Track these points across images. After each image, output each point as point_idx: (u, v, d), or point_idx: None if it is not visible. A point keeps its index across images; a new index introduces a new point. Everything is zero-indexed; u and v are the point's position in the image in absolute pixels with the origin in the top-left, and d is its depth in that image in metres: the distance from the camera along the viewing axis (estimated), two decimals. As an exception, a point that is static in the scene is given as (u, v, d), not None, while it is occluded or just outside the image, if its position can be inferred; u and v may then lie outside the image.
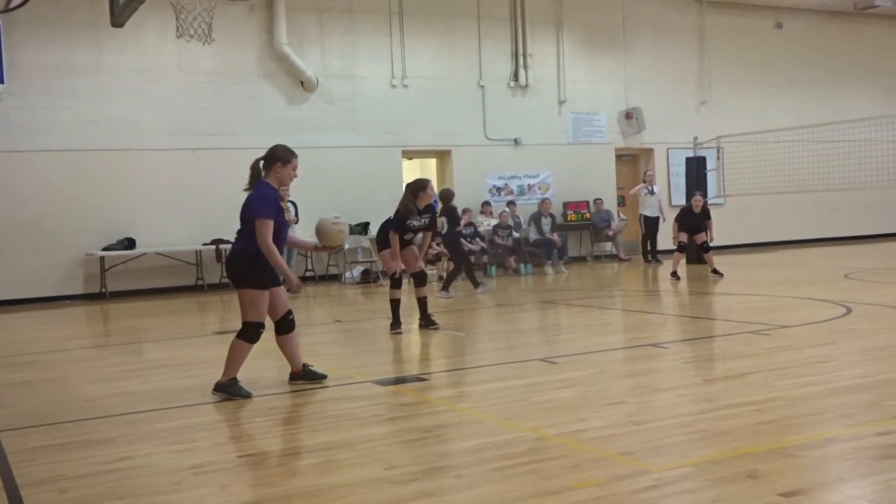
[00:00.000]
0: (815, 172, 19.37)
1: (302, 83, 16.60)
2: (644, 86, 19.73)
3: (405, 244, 9.19)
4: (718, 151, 19.04)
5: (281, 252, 6.04)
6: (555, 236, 17.03)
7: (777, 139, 18.62)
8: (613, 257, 18.76)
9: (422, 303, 9.29)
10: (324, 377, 6.43)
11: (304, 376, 6.40)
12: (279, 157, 6.08)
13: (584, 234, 19.08)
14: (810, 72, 21.81)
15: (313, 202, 15.46)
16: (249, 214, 5.95)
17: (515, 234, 17.01)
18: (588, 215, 18.73)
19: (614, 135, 19.57)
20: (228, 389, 6.05)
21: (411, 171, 18.23)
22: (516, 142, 18.40)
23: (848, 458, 4.18)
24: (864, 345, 7.31)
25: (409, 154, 17.94)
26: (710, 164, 18.26)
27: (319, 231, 6.34)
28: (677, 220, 14.06)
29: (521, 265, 16.73)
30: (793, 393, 5.53)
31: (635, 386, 6.12)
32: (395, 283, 9.17)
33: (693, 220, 13.90)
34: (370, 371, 7.02)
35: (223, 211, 15.56)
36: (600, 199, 18.77)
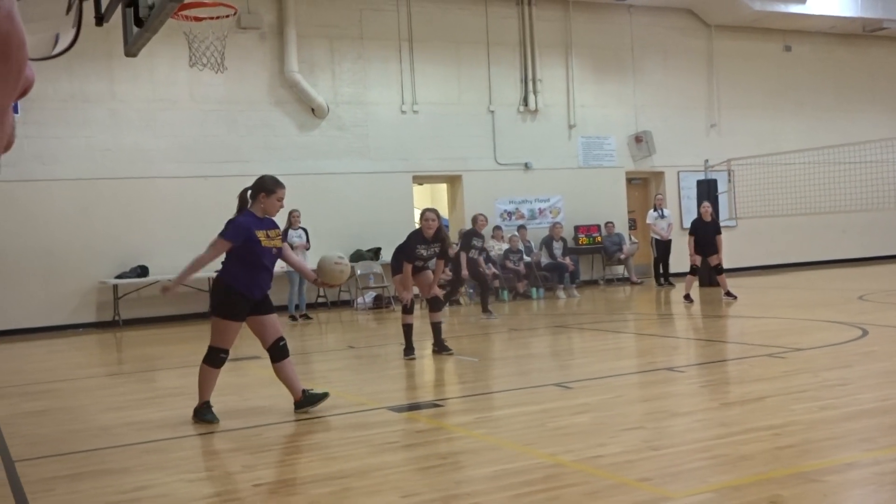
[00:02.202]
0: (826, 194, 19.33)
1: (313, 110, 16.69)
2: (653, 109, 19.76)
3: (419, 269, 9.18)
4: (729, 174, 19.04)
5: (266, 279, 6.26)
6: (566, 260, 17.00)
7: (787, 161, 18.60)
8: (625, 281, 18.71)
9: (436, 328, 9.26)
10: (325, 395, 6.37)
11: (306, 402, 6.35)
12: (264, 188, 6.23)
13: (595, 257, 19.05)
14: (819, 94, 21.81)
15: (325, 228, 15.48)
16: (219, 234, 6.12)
17: (526, 259, 16.99)
18: (599, 239, 18.71)
19: (624, 158, 19.58)
20: (198, 414, 6.17)
21: (422, 196, 18.30)
22: (526, 166, 18.43)
23: (870, 483, 4.13)
24: (881, 367, 7.25)
25: (419, 179, 17.98)
26: (721, 186, 18.25)
27: (321, 268, 6.43)
28: (691, 232, 14.05)
29: (533, 289, 16.71)
30: (811, 417, 5.48)
31: (652, 411, 6.08)
32: (407, 309, 9.14)
33: (704, 230, 13.84)
34: (384, 397, 6.99)
35: (235, 238, 15.63)
36: (611, 222, 18.75)
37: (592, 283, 18.79)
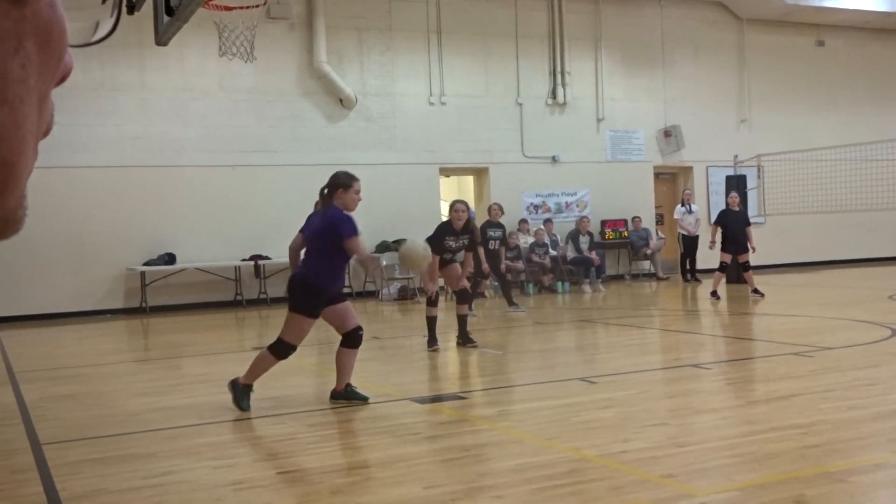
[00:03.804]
0: (857, 192, 19.08)
1: (341, 101, 16.72)
2: (683, 104, 19.61)
3: (447, 262, 9.17)
4: (759, 170, 18.86)
5: (344, 272, 6.40)
6: (592, 254, 16.93)
7: (818, 158, 18.38)
8: (651, 276, 18.61)
9: (461, 320, 9.26)
10: (365, 399, 6.34)
11: (345, 396, 6.36)
12: (340, 183, 6.31)
13: (621, 252, 18.95)
14: (852, 90, 21.53)
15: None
16: (343, 237, 6.07)
17: (552, 252, 16.95)
18: (626, 234, 18.62)
19: (653, 153, 19.45)
20: (236, 392, 6.16)
21: (448, 188, 18.29)
22: (554, 159, 18.36)
23: (898, 484, 4.09)
24: (911, 368, 7.16)
25: (446, 171, 17.97)
26: (751, 182, 18.09)
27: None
28: (717, 223, 13.97)
29: (559, 283, 16.66)
30: (839, 416, 5.42)
31: (677, 407, 6.04)
32: (432, 301, 9.14)
33: (733, 219, 13.75)
34: (408, 389, 7.01)
35: (262, 227, 15.73)
36: (638, 217, 18.65)
37: (618, 277, 18.70)
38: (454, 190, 20.90)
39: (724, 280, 14.19)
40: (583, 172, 18.63)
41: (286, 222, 15.60)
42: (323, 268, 6.18)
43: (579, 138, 18.61)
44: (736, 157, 17.94)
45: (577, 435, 5.21)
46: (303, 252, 6.40)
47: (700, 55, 19.93)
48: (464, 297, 9.31)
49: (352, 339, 6.36)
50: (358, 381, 6.73)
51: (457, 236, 9.05)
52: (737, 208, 14.03)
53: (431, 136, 17.32)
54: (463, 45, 17.72)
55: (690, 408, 5.97)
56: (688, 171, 19.93)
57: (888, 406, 5.69)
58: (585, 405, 6.07)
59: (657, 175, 19.73)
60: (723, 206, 14.92)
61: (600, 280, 16.84)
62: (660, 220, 19.68)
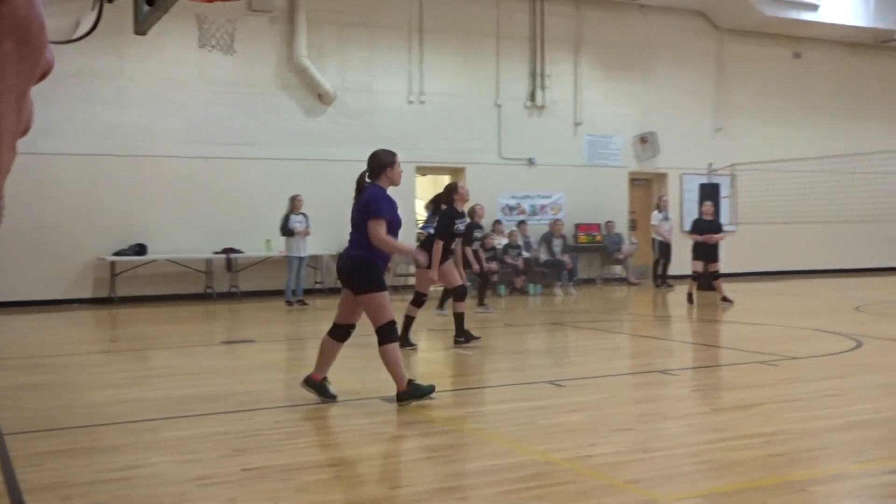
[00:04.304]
0: (830, 203, 19.32)
1: (320, 96, 16.67)
2: (660, 110, 19.73)
3: (446, 257, 9.07)
4: (732, 179, 19.02)
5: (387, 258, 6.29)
6: (565, 258, 17.01)
7: (792, 169, 18.56)
8: (623, 281, 18.72)
9: (459, 318, 9.18)
10: (333, 398, 6.31)
11: (318, 388, 6.32)
12: (386, 162, 6.28)
13: (594, 256, 19.05)
14: (828, 103, 21.77)
15: (327, 214, 15.43)
16: (370, 215, 6.04)
17: (525, 254, 17.00)
18: (599, 238, 18.71)
19: (629, 158, 19.56)
20: (415, 392, 6.06)
21: (424, 187, 18.27)
22: (530, 162, 18.41)
23: (858, 495, 4.15)
24: (875, 379, 7.26)
25: (423, 170, 17.96)
26: (724, 191, 18.23)
27: None
28: (692, 231, 14.16)
29: (531, 285, 16.71)
30: (803, 426, 5.49)
31: (644, 413, 6.09)
32: (418, 302, 9.02)
33: (706, 228, 13.93)
34: (379, 388, 7.00)
35: (236, 220, 15.64)
36: (612, 221, 18.75)
37: (590, 281, 18.79)
38: (430, 189, 20.88)
39: (695, 288, 14.28)
40: (559, 175, 18.69)
41: (261, 216, 15.59)
42: (373, 246, 6.09)
43: (557, 141, 18.67)
44: (710, 165, 18.08)
45: (545, 438, 5.23)
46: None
47: (679, 63, 20.06)
48: (462, 295, 9.23)
49: (342, 332, 6.29)
50: (330, 377, 6.72)
51: (462, 218, 9.15)
52: (710, 217, 14.18)
53: (409, 135, 17.30)
54: (444, 45, 17.73)
55: (657, 414, 6.02)
56: (662, 177, 20.06)
57: (851, 417, 5.77)
58: (554, 408, 6.11)
59: (632, 181, 19.84)
60: (696, 214, 15.05)
61: (572, 283, 16.92)
62: (633, 225, 19.80)
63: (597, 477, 4.38)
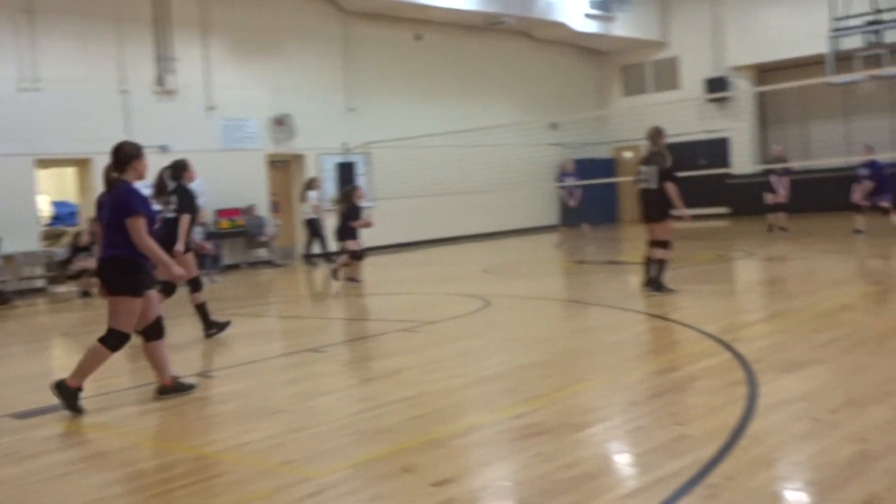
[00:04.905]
0: (458, 175, 20.80)
1: None
2: (294, 92, 19.91)
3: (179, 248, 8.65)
4: (367, 157, 19.77)
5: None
6: (207, 245, 16.63)
7: (421, 145, 19.70)
8: (269, 264, 18.74)
9: (202, 308, 8.93)
10: (192, 388, 6.12)
11: (173, 389, 6.05)
12: (133, 153, 6.06)
13: (237, 241, 18.84)
14: (449, 81, 23.30)
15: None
16: (127, 214, 5.79)
17: (167, 245, 16.36)
18: (241, 222, 18.54)
19: (266, 141, 19.55)
20: (63, 394, 5.84)
21: (47, 180, 16.88)
22: (164, 149, 17.70)
23: (490, 442, 4.56)
24: (501, 335, 7.99)
25: (44, 163, 16.57)
26: (361, 169, 18.88)
27: None
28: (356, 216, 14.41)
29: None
30: (442, 386, 5.90)
31: (295, 393, 6.18)
32: (197, 286, 8.92)
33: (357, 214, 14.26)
34: (6, 403, 6.41)
35: None
36: (253, 205, 18.67)
37: (235, 267, 18.59)
38: (54, 182, 19.38)
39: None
40: (195, 162, 17.99)
41: None
42: (132, 245, 5.83)
43: (190, 127, 18.13)
44: (344, 144, 18.60)
45: (197, 433, 5.14)
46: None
47: (307, 45, 20.34)
48: (198, 285, 9.00)
49: (157, 331, 6.06)
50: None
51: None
52: (360, 202, 14.39)
53: (25, 125, 15.84)
54: (59, 26, 16.40)
55: (308, 392, 6.15)
56: (301, 158, 20.31)
57: (483, 372, 6.31)
58: (204, 401, 6.00)
59: (271, 163, 19.87)
60: (336, 194, 15.36)
61: (216, 270, 16.63)
62: (275, 207, 19.86)
63: (252, 464, 4.39)
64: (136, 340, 6.16)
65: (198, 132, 18.26)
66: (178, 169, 9.29)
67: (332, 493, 3.87)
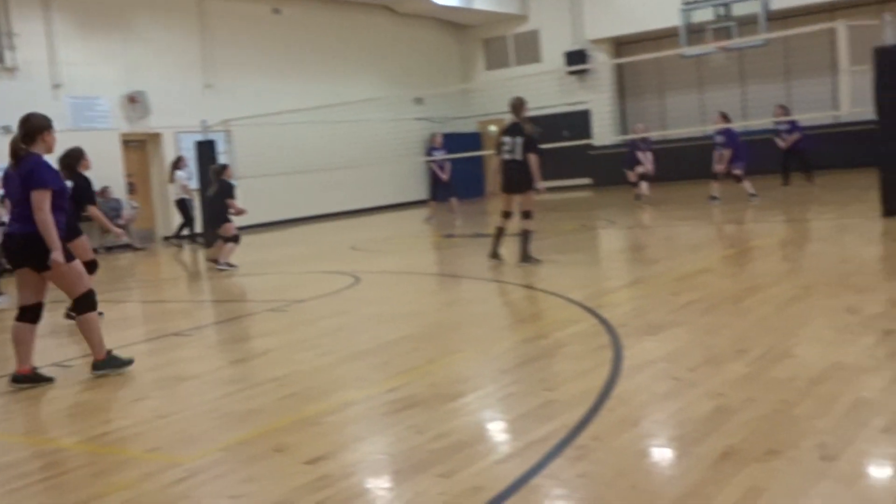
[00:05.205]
0: (321, 152, 20.53)
1: None
2: (148, 69, 19.15)
3: (77, 234, 8.22)
4: (227, 135, 19.25)
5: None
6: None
7: (284, 122, 19.31)
8: (127, 247, 18.05)
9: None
10: (51, 380, 5.88)
11: (30, 380, 5.82)
12: (43, 125, 5.98)
13: (92, 225, 18.02)
14: (311, 57, 22.92)
15: None
16: (34, 185, 5.65)
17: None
18: (97, 205, 17.76)
19: (119, 120, 18.75)
20: (113, 363, 5.97)
21: None
22: (6, 129, 16.72)
23: (363, 418, 4.53)
24: (372, 311, 7.95)
25: None
26: (221, 147, 18.38)
27: None
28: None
29: None
30: (312, 364, 5.83)
31: (159, 378, 5.96)
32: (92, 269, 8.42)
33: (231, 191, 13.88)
34: None
35: None
36: (108, 187, 17.90)
37: (92, 251, 17.78)
38: None
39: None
40: (43, 142, 17.22)
41: None
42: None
43: (34, 105, 16.70)
44: (204, 122, 18.06)
45: (54, 425, 4.90)
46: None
47: (159, 20, 19.58)
48: (94, 268, 8.73)
49: (35, 313, 5.90)
50: None
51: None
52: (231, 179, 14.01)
53: None
54: None
55: (173, 377, 5.94)
56: (157, 137, 19.59)
57: (354, 348, 6.26)
58: (60, 392, 5.72)
59: (126, 143, 19.09)
60: (196, 173, 14.93)
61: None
62: (132, 189, 19.11)
63: (114, 453, 4.22)
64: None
65: (43, 111, 17.13)
66: (74, 158, 9.03)
67: (202, 477, 3.76)
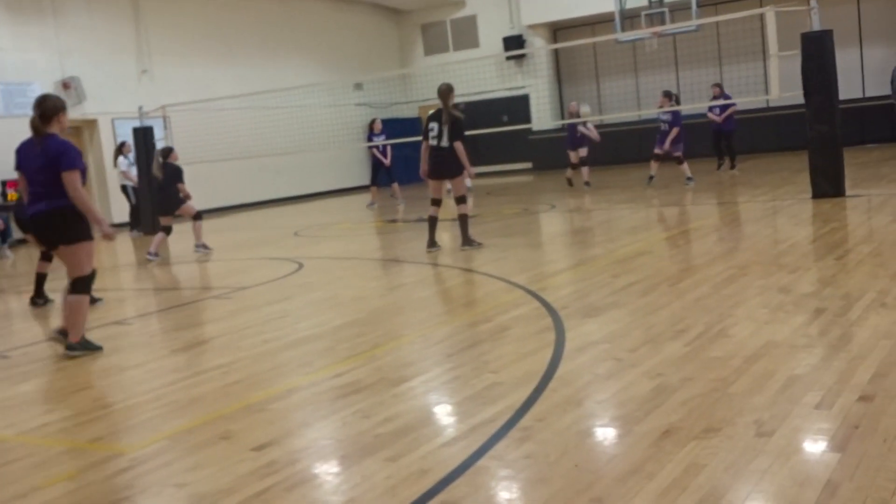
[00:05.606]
0: (261, 138, 20.33)
1: None
2: (81, 54, 18.73)
3: None
4: (165, 121, 18.93)
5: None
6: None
7: (222, 108, 19.07)
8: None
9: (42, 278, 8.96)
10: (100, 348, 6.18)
11: (80, 346, 6.12)
12: (59, 106, 6.16)
13: (28, 213, 17.62)
14: (249, 42, 22.64)
15: None
16: (65, 166, 5.87)
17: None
18: (31, 193, 17.36)
19: (52, 106, 18.30)
20: (87, 346, 6.15)
21: None
22: (-64, 116, 16.28)
23: (309, 403, 4.54)
24: (316, 296, 7.94)
25: None
26: (158, 133, 18.08)
27: None
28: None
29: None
30: (256, 351, 5.81)
31: (101, 368, 5.89)
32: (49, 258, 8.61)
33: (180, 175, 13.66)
34: None
35: None
36: (43, 175, 17.49)
37: (26, 242, 17.40)
38: None
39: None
40: (-27, 129, 16.78)
41: None
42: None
43: (-36, 91, 16.69)
44: (141, 108, 17.74)
45: (-8, 417, 4.81)
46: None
47: (93, 5, 19.15)
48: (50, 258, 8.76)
49: (87, 282, 6.14)
50: None
51: None
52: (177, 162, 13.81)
53: None
54: None
55: (115, 367, 5.87)
56: (93, 123, 19.20)
57: (298, 334, 6.26)
58: (2, 384, 5.61)
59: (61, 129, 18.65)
60: (132, 158, 14.66)
61: (7, 245, 15.54)
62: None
63: (56, 444, 4.17)
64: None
65: (-26, 97, 16.86)
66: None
67: (146, 466, 3.73)
